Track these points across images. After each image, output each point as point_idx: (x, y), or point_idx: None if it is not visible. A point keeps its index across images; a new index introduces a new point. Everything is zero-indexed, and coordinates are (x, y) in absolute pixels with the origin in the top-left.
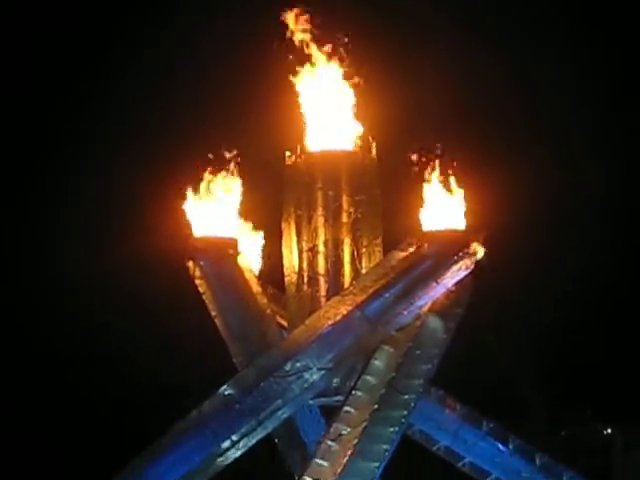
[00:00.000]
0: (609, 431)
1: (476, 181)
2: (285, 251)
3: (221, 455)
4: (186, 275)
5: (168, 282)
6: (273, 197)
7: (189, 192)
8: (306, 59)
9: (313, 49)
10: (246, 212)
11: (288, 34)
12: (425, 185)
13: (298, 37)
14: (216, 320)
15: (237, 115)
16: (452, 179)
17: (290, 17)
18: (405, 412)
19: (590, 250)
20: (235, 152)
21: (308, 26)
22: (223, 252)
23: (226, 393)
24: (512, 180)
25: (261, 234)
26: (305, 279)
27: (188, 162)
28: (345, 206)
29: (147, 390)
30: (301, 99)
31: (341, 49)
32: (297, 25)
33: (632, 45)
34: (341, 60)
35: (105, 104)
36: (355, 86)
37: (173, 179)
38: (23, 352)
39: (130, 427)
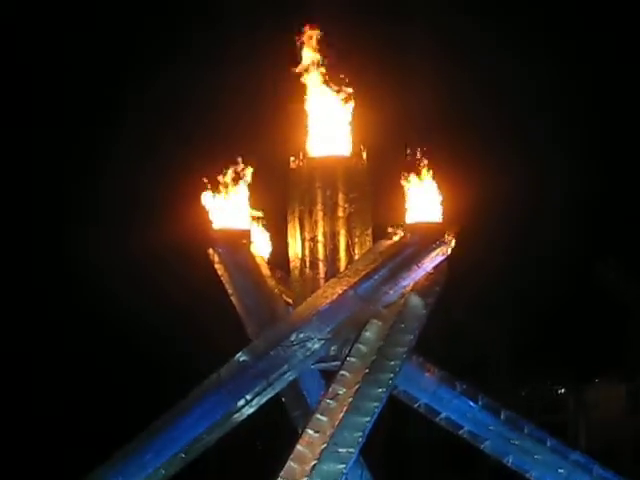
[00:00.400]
0: (563, 391)
1: (452, 180)
2: (290, 240)
3: (237, 412)
4: (207, 260)
5: (191, 267)
6: (280, 195)
7: (208, 192)
8: (309, 81)
9: (316, 73)
10: (257, 208)
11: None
12: (408, 185)
13: (306, 61)
14: (232, 298)
15: (250, 127)
16: (431, 180)
17: (305, 39)
18: (391, 375)
19: (549, 236)
20: (245, 159)
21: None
22: (238, 241)
23: (241, 359)
24: (484, 179)
25: (269, 226)
26: (307, 264)
27: (208, 166)
28: (340, 202)
29: (172, 358)
30: (304, 113)
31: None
32: (307, 49)
33: (594, 54)
34: (339, 81)
35: (144, 111)
36: (349, 102)
37: (195, 180)
38: (59, 335)
39: (157, 390)
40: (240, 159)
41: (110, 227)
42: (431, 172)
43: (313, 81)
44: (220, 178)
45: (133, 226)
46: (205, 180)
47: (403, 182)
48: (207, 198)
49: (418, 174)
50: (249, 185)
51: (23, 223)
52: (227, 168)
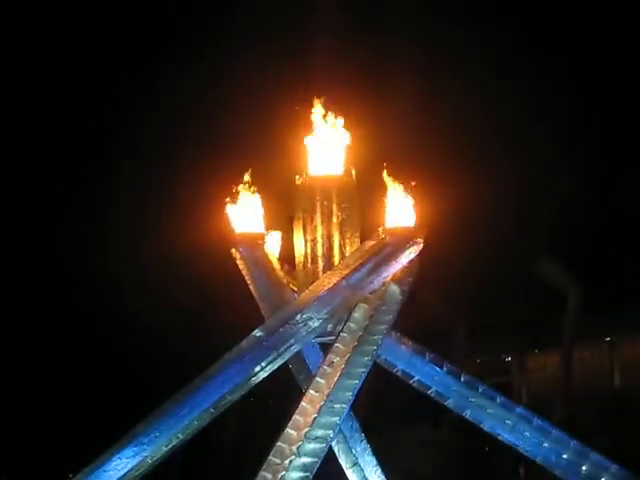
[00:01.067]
0: (509, 359)
1: (423, 191)
2: (295, 241)
3: (254, 376)
4: (230, 258)
5: (218, 263)
6: (287, 205)
7: (231, 201)
8: (310, 112)
9: (316, 106)
10: (270, 215)
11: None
12: (388, 196)
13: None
14: (250, 287)
15: (263, 152)
16: (407, 192)
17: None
18: (375, 347)
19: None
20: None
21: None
22: (255, 242)
23: (257, 335)
24: (448, 192)
25: (279, 230)
26: (309, 260)
27: (230, 179)
28: (335, 211)
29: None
30: (306, 140)
31: (335, 105)
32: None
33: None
34: (335, 112)
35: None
36: (343, 131)
37: (219, 192)
38: (77, 334)
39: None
40: (249, 174)
41: (123, 230)
42: (407, 187)
43: (313, 116)
44: (239, 191)
45: (165, 236)
46: (227, 193)
47: (385, 195)
48: (230, 207)
49: (396, 189)
50: (263, 196)
51: (32, 223)
52: (243, 182)
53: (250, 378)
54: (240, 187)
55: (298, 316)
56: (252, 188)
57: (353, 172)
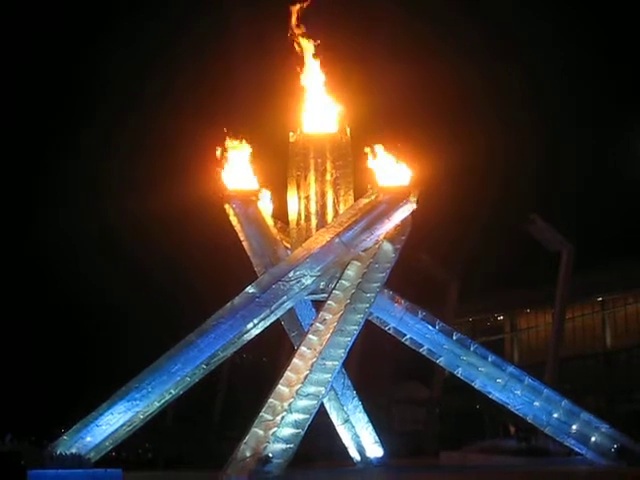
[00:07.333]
0: (501, 318)
1: (417, 152)
2: (289, 198)
3: (246, 333)
4: (224, 214)
5: (213, 219)
6: (282, 162)
7: (226, 159)
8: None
9: (314, 68)
10: (264, 172)
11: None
12: (382, 155)
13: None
14: (244, 243)
15: (259, 110)
16: (400, 151)
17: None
18: (368, 304)
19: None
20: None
21: (310, 47)
22: (248, 199)
23: (250, 291)
24: (442, 152)
25: (273, 187)
26: (302, 217)
27: (223, 136)
28: (329, 169)
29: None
30: (302, 99)
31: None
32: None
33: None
34: (330, 73)
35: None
36: (338, 90)
37: (212, 149)
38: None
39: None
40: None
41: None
42: (401, 146)
43: (309, 74)
44: (233, 146)
45: (166, 194)
46: (224, 151)
47: (378, 153)
48: (225, 165)
49: (390, 148)
50: (257, 154)
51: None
52: (240, 141)
53: (243, 335)
54: (234, 144)
55: (291, 273)
56: (246, 145)
57: (348, 130)
